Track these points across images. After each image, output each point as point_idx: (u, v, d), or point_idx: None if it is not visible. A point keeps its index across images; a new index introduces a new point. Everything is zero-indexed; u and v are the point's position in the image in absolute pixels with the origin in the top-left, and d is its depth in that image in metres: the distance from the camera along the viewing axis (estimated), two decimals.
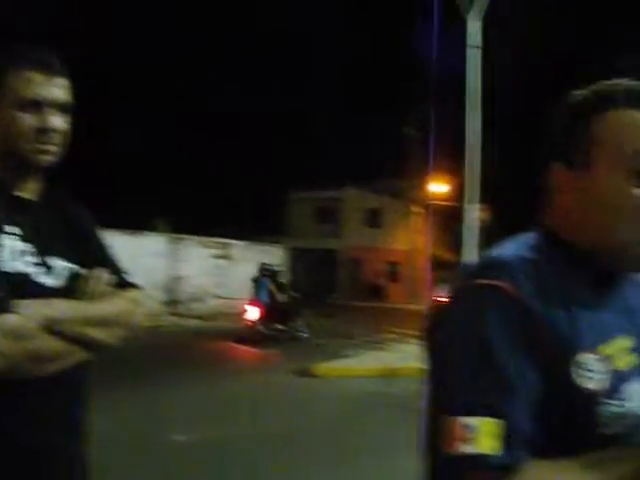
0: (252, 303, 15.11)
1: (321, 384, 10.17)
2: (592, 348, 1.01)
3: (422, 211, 30.99)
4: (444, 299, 1.13)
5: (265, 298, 15.07)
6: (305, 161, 33.37)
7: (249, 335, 14.54)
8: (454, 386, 0.99)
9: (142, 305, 1.66)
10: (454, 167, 25.85)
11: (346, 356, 12.71)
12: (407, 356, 11.79)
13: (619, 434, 1.00)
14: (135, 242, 18.78)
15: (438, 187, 29.78)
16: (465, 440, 0.91)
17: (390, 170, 29.67)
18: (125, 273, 1.71)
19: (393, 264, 35.60)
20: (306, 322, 15.79)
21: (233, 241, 23.96)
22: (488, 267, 1.07)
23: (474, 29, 10.70)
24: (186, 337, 15.87)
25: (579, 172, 1.10)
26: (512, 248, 1.12)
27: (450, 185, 29.03)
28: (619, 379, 1.02)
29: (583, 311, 1.05)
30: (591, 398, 0.99)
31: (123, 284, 1.66)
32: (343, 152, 32.62)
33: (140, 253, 17.58)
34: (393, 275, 35.66)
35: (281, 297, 15.58)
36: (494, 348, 0.97)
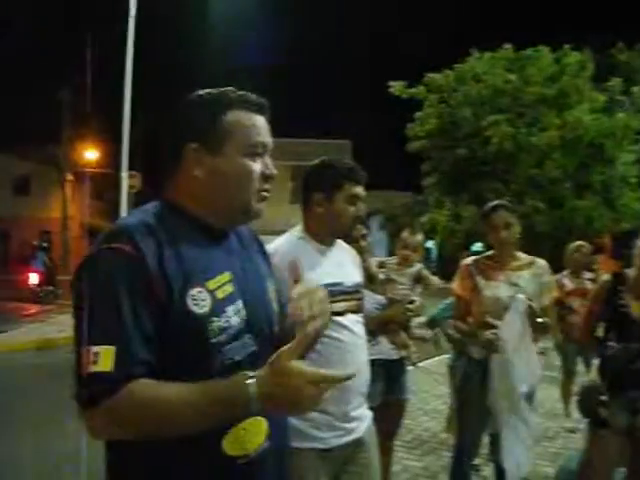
0: (33, 271, 18.31)
1: None
2: (201, 284, 1.39)
3: (74, 178, 30.02)
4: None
5: (41, 266, 18.45)
6: None
7: (32, 295, 17.58)
8: (87, 325, 1.29)
9: None
10: (106, 134, 25.49)
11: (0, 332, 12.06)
12: (66, 327, 11.65)
13: (225, 341, 1.39)
14: None
15: (91, 154, 29.08)
16: (91, 363, 1.25)
17: (41, 136, 27.97)
18: None
19: (46, 233, 33.78)
20: None
21: None
22: (111, 233, 1.38)
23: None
24: None
25: (212, 153, 1.47)
26: (135, 216, 1.45)
27: (102, 152, 28.55)
28: (221, 303, 1.40)
29: (195, 258, 1.41)
30: (202, 319, 1.36)
31: None
32: None
33: None
34: (46, 245, 33.85)
35: (49, 265, 19.16)
36: (113, 296, 1.29)
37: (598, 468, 3.28)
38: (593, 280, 6.10)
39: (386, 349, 3.83)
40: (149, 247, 1.35)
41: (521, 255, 3.60)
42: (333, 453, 2.25)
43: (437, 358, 7.71)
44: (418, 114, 25.78)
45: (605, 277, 3.45)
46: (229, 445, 1.39)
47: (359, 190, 2.42)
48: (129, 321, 1.28)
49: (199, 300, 1.37)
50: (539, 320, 3.29)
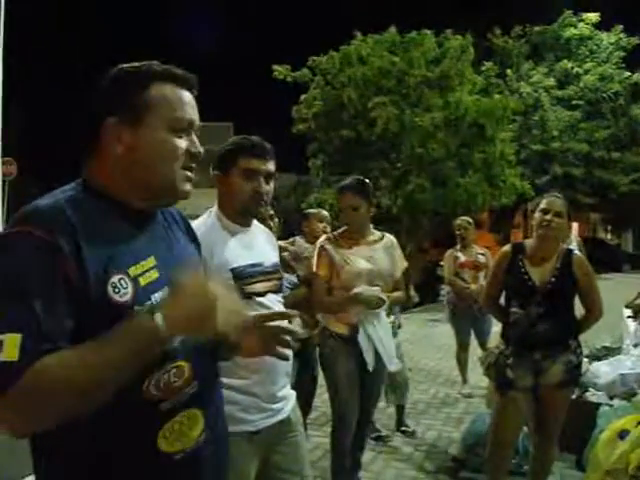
0: None
1: None
2: (122, 270, 1.31)
3: None
4: None
5: None
6: None
7: None
8: None
9: None
10: None
11: None
12: None
13: None
14: None
15: None
16: None
17: None
18: None
19: None
20: None
21: None
22: (22, 216, 1.28)
23: None
24: None
25: (133, 127, 1.38)
26: (51, 197, 1.33)
27: None
28: (145, 291, 1.33)
29: (115, 243, 1.33)
30: (124, 308, 1.28)
31: None
32: None
33: None
34: None
35: None
36: (21, 282, 1.20)
37: (508, 426, 3.47)
38: (482, 254, 6.43)
39: (298, 328, 3.85)
40: (63, 231, 1.25)
41: (373, 231, 3.74)
42: (261, 435, 2.23)
43: None
44: (303, 96, 25.87)
45: (505, 247, 3.62)
46: (164, 441, 1.35)
47: (258, 165, 2.34)
48: (38, 307, 1.19)
49: (120, 288, 1.29)
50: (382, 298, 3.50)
